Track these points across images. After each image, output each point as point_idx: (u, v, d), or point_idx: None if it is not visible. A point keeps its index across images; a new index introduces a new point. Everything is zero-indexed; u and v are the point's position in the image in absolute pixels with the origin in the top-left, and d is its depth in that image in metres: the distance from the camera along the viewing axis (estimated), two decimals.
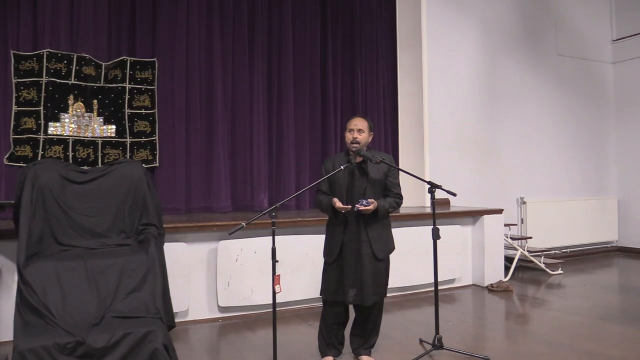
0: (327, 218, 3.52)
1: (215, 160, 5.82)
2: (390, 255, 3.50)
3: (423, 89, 6.74)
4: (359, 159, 3.42)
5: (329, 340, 3.53)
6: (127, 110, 5.41)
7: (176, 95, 5.66)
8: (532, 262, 6.94)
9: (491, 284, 6.00)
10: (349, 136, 3.42)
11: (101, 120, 5.30)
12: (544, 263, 6.93)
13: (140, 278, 3.64)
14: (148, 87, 5.52)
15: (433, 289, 3.78)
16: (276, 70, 6.27)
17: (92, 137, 5.23)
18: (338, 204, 3.28)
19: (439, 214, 5.18)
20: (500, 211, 6.28)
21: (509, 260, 6.69)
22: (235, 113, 6.02)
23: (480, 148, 7.43)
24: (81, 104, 5.21)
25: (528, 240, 7.13)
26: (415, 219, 5.66)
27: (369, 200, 3.28)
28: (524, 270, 7.08)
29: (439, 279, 3.89)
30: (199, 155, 5.78)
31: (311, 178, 6.21)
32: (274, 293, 3.13)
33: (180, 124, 5.67)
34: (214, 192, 5.81)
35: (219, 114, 5.84)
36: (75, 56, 5.17)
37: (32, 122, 4.98)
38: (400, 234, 4.89)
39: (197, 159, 5.76)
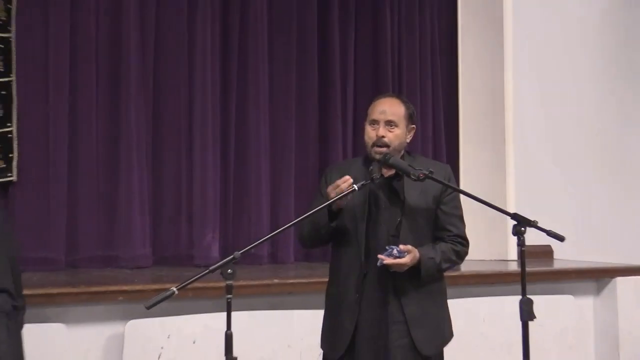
0: (326, 280, 2.63)
1: (124, 173, 4.13)
2: (445, 349, 2.63)
3: (504, 49, 4.96)
4: (387, 172, 2.44)
5: None
6: None
7: (51, 53, 4.03)
8: None
9: None
10: (370, 132, 2.45)
11: None
12: None
13: None
14: None
15: None
16: (237, 10, 4.39)
17: None
18: (339, 186, 2.20)
19: (533, 273, 4.14)
20: None
21: None
22: (160, 89, 4.36)
23: (607, 154, 5.52)
24: None
25: None
26: (488, 282, 4.33)
27: (402, 248, 2.31)
28: None
29: None
30: (94, 163, 4.15)
31: (297, 207, 4.45)
32: None
33: (60, 105, 4.03)
34: (120, 231, 4.16)
35: (131, 90, 4.16)
36: None
37: None
38: (458, 310, 3.63)
39: (91, 169, 4.13)
